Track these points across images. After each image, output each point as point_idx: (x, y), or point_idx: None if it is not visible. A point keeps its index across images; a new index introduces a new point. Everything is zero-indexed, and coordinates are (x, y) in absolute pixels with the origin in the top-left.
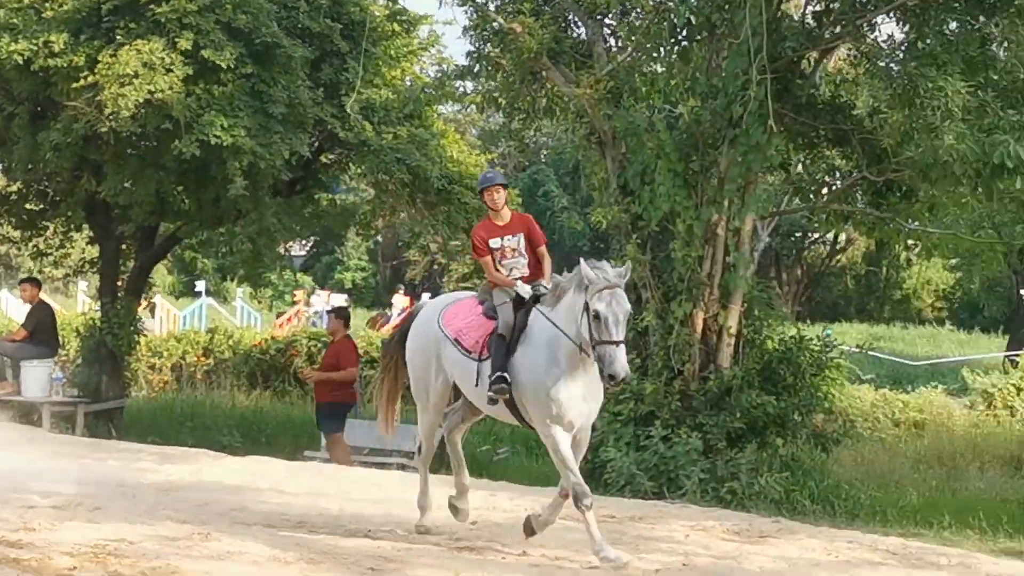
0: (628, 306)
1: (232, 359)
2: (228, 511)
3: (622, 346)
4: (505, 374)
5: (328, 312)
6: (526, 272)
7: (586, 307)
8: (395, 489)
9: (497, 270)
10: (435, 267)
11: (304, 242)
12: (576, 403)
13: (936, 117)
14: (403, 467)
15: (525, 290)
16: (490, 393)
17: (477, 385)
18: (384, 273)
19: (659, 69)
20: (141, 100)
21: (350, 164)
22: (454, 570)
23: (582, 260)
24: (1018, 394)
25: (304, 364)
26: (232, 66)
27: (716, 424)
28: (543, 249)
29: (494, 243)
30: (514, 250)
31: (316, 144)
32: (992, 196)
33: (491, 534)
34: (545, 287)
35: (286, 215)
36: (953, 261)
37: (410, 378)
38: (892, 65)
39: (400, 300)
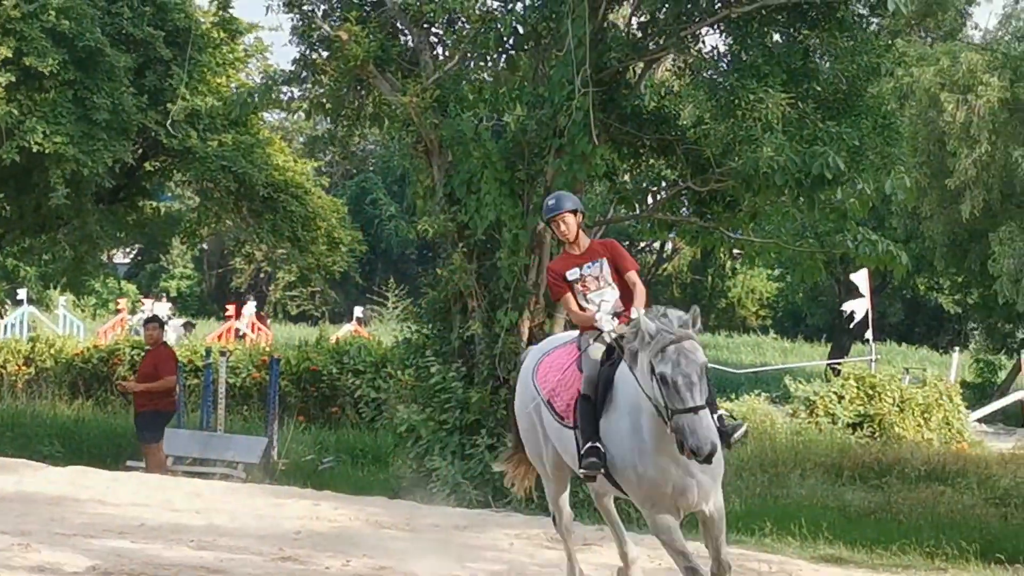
0: (702, 358)
1: (54, 368)
2: (48, 521)
3: (704, 412)
4: (598, 444)
5: (148, 321)
6: (619, 306)
7: (651, 369)
8: (217, 499)
9: (582, 308)
10: (261, 275)
11: (128, 250)
12: (674, 478)
13: (756, 128)
14: (226, 477)
15: (605, 321)
16: (582, 470)
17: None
18: (209, 281)
19: (486, 78)
20: None
21: (175, 171)
22: None
23: (638, 311)
24: (839, 402)
25: (127, 373)
26: (55, 71)
27: None
28: (633, 275)
29: (571, 275)
30: (597, 278)
31: (140, 151)
32: (813, 206)
33: (314, 544)
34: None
35: (109, 223)
36: (776, 271)
37: (522, 439)
38: (715, 77)
39: (250, 309)
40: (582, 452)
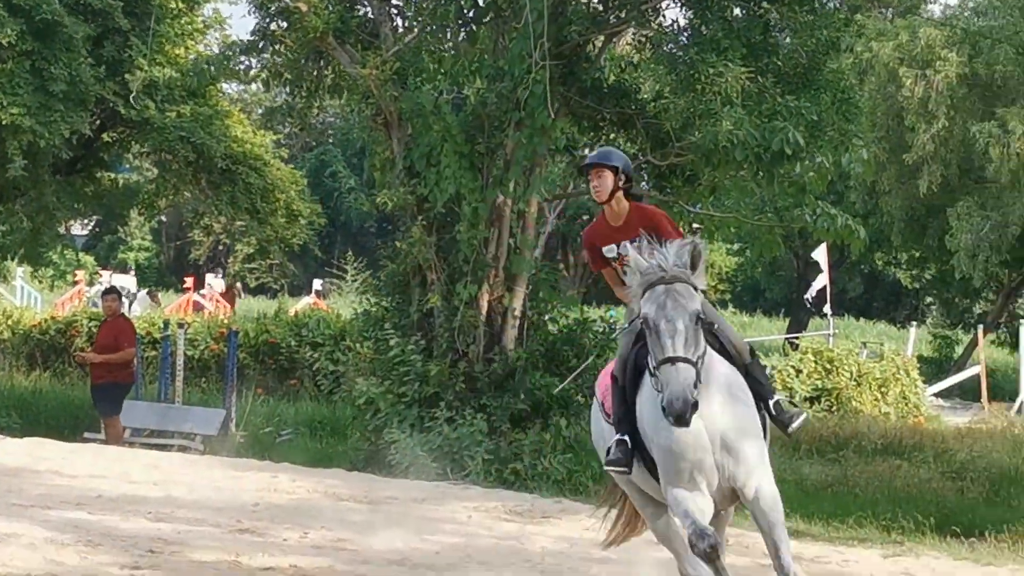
0: (694, 306)
1: (11, 339)
2: (5, 493)
3: (682, 366)
4: (626, 438)
5: (106, 292)
6: None
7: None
8: (175, 471)
9: (623, 282)
10: (220, 247)
11: (86, 221)
12: (693, 452)
13: (716, 102)
14: (183, 449)
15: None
16: (606, 466)
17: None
18: (168, 253)
19: (446, 50)
20: None
21: (133, 142)
22: (235, 552)
23: (628, 245)
24: (797, 376)
25: (85, 344)
26: (12, 42)
27: (500, 405)
28: None
29: (608, 252)
30: None
31: (98, 122)
32: (772, 181)
33: (272, 516)
34: None
35: (66, 194)
36: (735, 246)
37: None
38: (675, 51)
39: (216, 281)
40: (609, 445)
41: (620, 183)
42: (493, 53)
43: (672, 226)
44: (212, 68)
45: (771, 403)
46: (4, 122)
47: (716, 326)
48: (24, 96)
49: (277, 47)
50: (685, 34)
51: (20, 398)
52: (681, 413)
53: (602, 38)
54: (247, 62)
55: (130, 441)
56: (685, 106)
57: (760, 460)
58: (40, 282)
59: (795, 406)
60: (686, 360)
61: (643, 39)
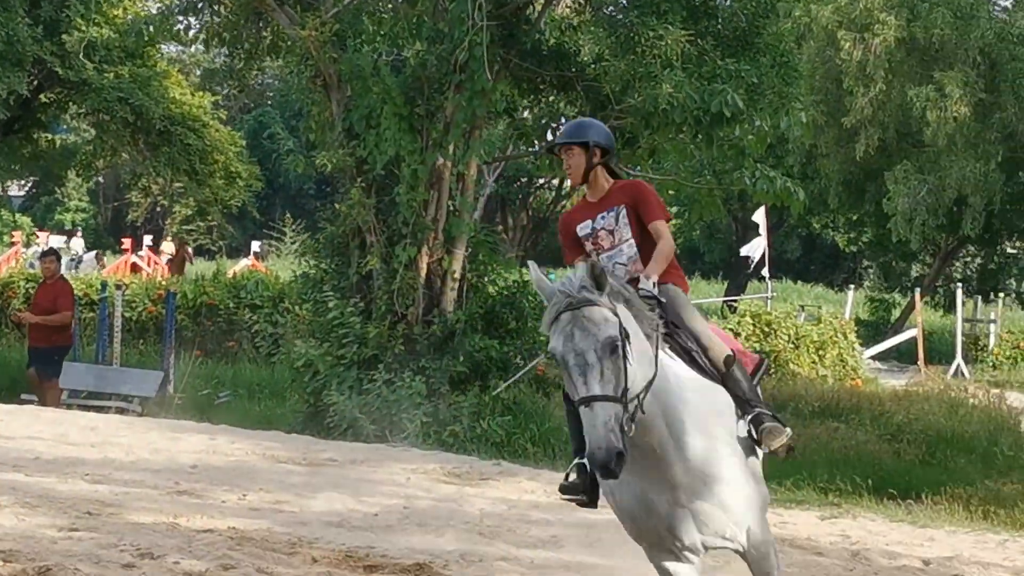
0: (607, 332)
1: None
2: None
3: (599, 406)
4: (586, 461)
5: (45, 254)
6: (638, 270)
7: None
8: (113, 433)
9: None
10: (157, 209)
11: (23, 182)
12: (661, 509)
13: (656, 65)
14: (121, 411)
15: None
16: (560, 494)
17: None
18: (105, 214)
19: (385, 12)
20: None
21: (71, 103)
22: (173, 514)
23: (531, 264)
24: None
25: (22, 306)
26: None
27: (439, 368)
28: (658, 226)
29: (582, 229)
30: (611, 232)
31: (35, 83)
32: (712, 143)
33: (211, 478)
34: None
35: (3, 155)
36: (674, 208)
37: None
38: (615, 13)
39: (167, 244)
40: (567, 470)
41: (596, 159)
42: (433, 15)
43: (657, 200)
44: (150, 28)
45: (748, 418)
46: None
47: (693, 327)
48: None
49: (216, 8)
50: None
51: None
52: (605, 463)
53: (542, 0)
54: (186, 22)
55: (68, 403)
56: (625, 69)
57: (747, 506)
58: None
59: (780, 422)
60: (605, 398)
61: (583, 1)
